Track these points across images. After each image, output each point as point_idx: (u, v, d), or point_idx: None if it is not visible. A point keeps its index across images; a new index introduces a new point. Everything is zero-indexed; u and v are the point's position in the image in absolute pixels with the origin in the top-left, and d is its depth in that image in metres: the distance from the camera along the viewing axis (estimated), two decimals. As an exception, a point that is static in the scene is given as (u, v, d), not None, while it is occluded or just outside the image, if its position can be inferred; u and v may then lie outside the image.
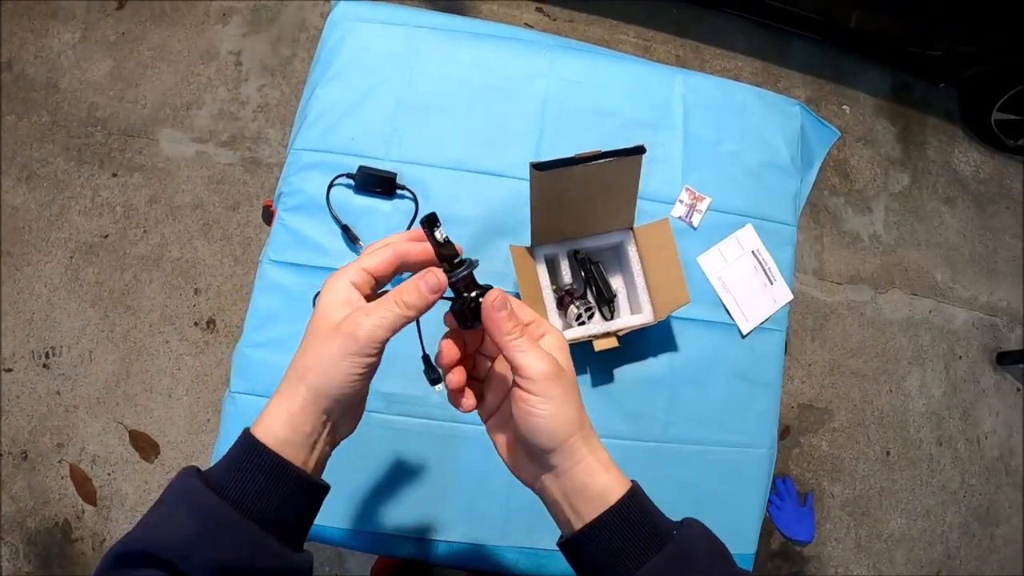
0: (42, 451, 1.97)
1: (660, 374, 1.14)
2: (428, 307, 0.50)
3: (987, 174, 2.75)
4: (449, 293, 0.52)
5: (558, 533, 0.55)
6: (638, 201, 1.05)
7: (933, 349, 2.47)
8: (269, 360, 1.06)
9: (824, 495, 2.26)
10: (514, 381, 0.51)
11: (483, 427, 0.58)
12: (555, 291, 1.09)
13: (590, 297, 1.11)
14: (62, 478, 1.96)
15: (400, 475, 1.06)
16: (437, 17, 1.23)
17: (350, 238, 1.10)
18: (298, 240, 1.10)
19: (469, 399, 0.56)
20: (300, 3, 2.38)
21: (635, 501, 0.51)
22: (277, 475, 0.48)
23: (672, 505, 1.11)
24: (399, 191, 1.12)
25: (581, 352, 1.07)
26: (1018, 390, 2.51)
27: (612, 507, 0.49)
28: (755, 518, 1.16)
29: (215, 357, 2.05)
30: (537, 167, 0.89)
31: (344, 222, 1.10)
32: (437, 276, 0.50)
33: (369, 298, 0.52)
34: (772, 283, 1.21)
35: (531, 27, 2.47)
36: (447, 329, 0.56)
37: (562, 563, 0.54)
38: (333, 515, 1.00)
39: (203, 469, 0.49)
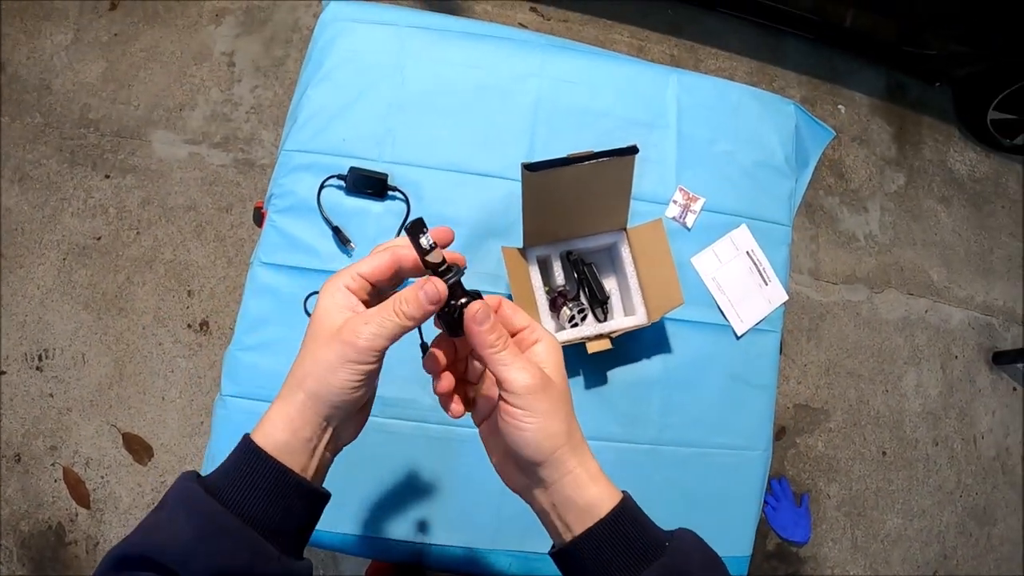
0: (35, 454, 1.96)
1: (654, 376, 1.13)
2: (427, 317, 0.50)
3: (983, 173, 2.76)
4: None
5: (550, 537, 0.54)
6: (631, 202, 1.04)
7: (929, 349, 2.47)
8: (260, 363, 1.06)
9: (820, 496, 2.26)
10: (499, 394, 0.50)
11: (476, 430, 0.58)
12: (548, 293, 1.08)
13: (583, 299, 1.10)
14: (55, 481, 1.95)
15: (393, 479, 1.06)
16: (429, 17, 1.23)
17: (341, 240, 1.09)
18: (289, 242, 1.10)
19: (458, 405, 0.56)
20: (293, 3, 2.37)
21: (625, 513, 0.50)
22: (277, 482, 0.47)
23: (667, 507, 1.11)
24: (390, 192, 1.11)
25: (574, 354, 1.06)
26: (1014, 389, 2.52)
27: (601, 520, 0.49)
28: (750, 520, 1.15)
29: (208, 359, 2.04)
30: (529, 168, 0.89)
31: (335, 224, 1.09)
32: (436, 286, 0.49)
33: (367, 303, 0.52)
34: (767, 284, 1.20)
35: (525, 27, 2.46)
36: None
37: (555, 568, 0.53)
38: (326, 519, 0.99)
39: (202, 474, 0.49)
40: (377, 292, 0.54)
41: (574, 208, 1.01)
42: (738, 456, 1.15)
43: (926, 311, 2.51)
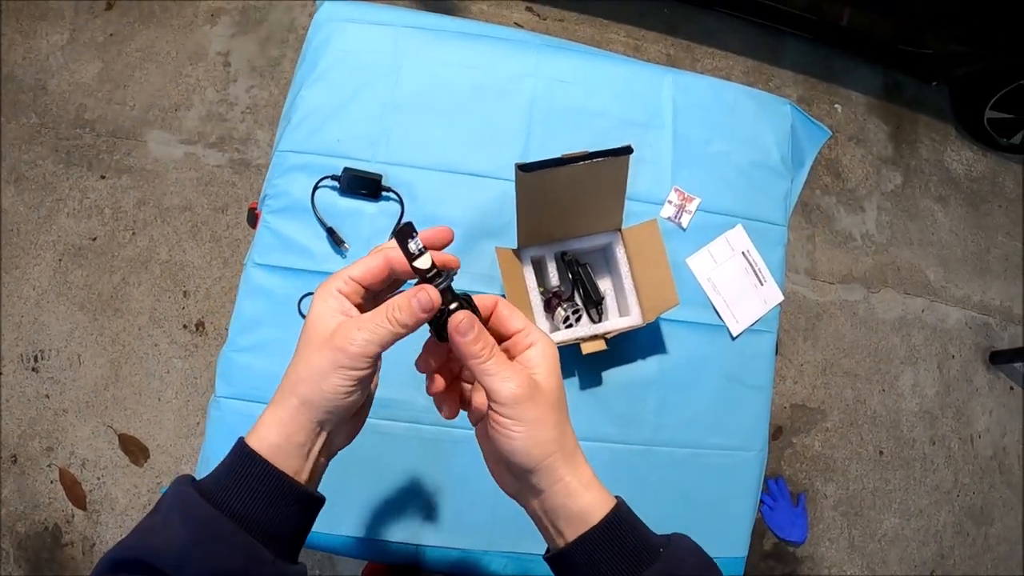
0: (31, 455, 1.95)
1: (649, 377, 1.13)
2: (420, 325, 0.49)
3: (980, 172, 2.76)
4: None
5: (545, 541, 0.54)
6: (626, 202, 1.04)
7: (926, 348, 2.47)
8: (254, 365, 1.05)
9: (817, 495, 2.26)
10: (488, 404, 0.50)
11: (470, 432, 0.57)
12: (542, 293, 1.08)
13: (578, 299, 1.10)
14: (52, 482, 1.95)
15: (388, 480, 1.05)
16: (424, 17, 1.22)
17: (335, 241, 1.09)
18: (283, 243, 1.09)
19: (451, 407, 0.55)
20: (288, 3, 2.37)
21: (619, 519, 0.50)
22: (272, 486, 0.47)
23: (662, 508, 1.11)
24: (385, 193, 1.11)
25: (569, 355, 1.06)
26: (1011, 389, 2.52)
27: (594, 526, 0.49)
28: (746, 520, 1.15)
29: (204, 360, 2.04)
30: (523, 168, 0.88)
31: (329, 224, 1.09)
32: (430, 294, 0.48)
33: (361, 307, 0.52)
34: (762, 284, 1.20)
35: (521, 26, 2.46)
36: None
37: (549, 570, 0.53)
38: (321, 520, 0.99)
39: (198, 476, 0.49)
40: (373, 295, 0.53)
41: (569, 208, 1.01)
42: (733, 457, 1.15)
43: (923, 311, 2.51)
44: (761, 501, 1.66)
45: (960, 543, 2.34)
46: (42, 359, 2.01)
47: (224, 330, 1.99)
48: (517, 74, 1.20)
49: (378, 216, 1.11)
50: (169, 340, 2.05)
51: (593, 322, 1.09)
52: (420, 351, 0.54)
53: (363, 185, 1.10)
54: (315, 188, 1.10)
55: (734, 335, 1.17)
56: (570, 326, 1.06)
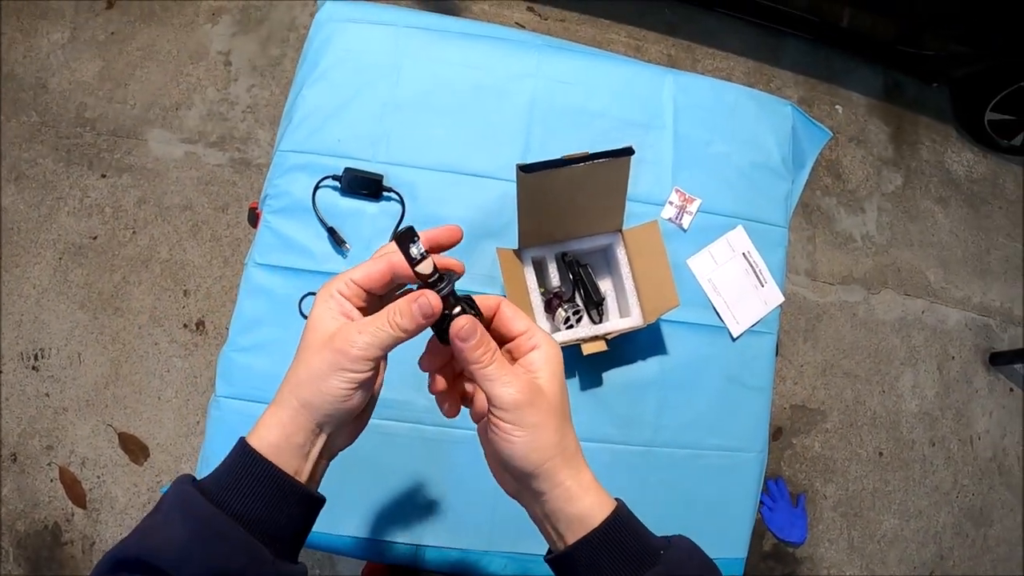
0: (31, 454, 1.95)
1: (650, 378, 1.13)
2: (420, 330, 0.49)
3: (980, 174, 2.76)
4: None
5: (545, 542, 0.54)
6: (627, 203, 1.04)
7: (926, 349, 2.47)
8: (254, 365, 1.05)
9: (817, 496, 2.26)
10: (488, 407, 0.50)
11: (471, 432, 0.57)
12: (543, 294, 1.08)
13: (578, 300, 1.10)
14: (51, 481, 1.95)
15: (388, 480, 1.05)
16: (425, 17, 1.22)
17: (336, 241, 1.09)
18: (284, 243, 1.09)
19: (453, 406, 0.55)
20: (290, 3, 2.37)
21: (619, 522, 0.50)
22: (273, 486, 0.47)
23: (662, 509, 1.11)
24: (386, 193, 1.11)
25: (569, 356, 1.06)
26: (1011, 390, 2.52)
27: (594, 529, 0.48)
28: (746, 521, 1.15)
29: (204, 359, 2.04)
30: (524, 169, 0.88)
31: (330, 225, 1.09)
32: (431, 300, 0.48)
33: (364, 310, 0.51)
34: (763, 285, 1.20)
35: (522, 27, 2.46)
36: None
37: (549, 570, 0.53)
38: (322, 520, 0.99)
39: (198, 476, 0.49)
40: (378, 298, 0.53)
41: (569, 209, 1.01)
42: (734, 458, 1.15)
43: (923, 312, 2.51)
44: (761, 502, 1.66)
45: (959, 544, 2.35)
46: (42, 358, 2.01)
47: (224, 329, 1.99)
48: (518, 74, 1.20)
49: (379, 216, 1.11)
50: (169, 339, 2.05)
51: (594, 323, 1.09)
52: (423, 351, 0.54)
53: (364, 185, 1.10)
54: (316, 188, 1.09)
55: (734, 336, 1.17)
56: (571, 327, 1.06)
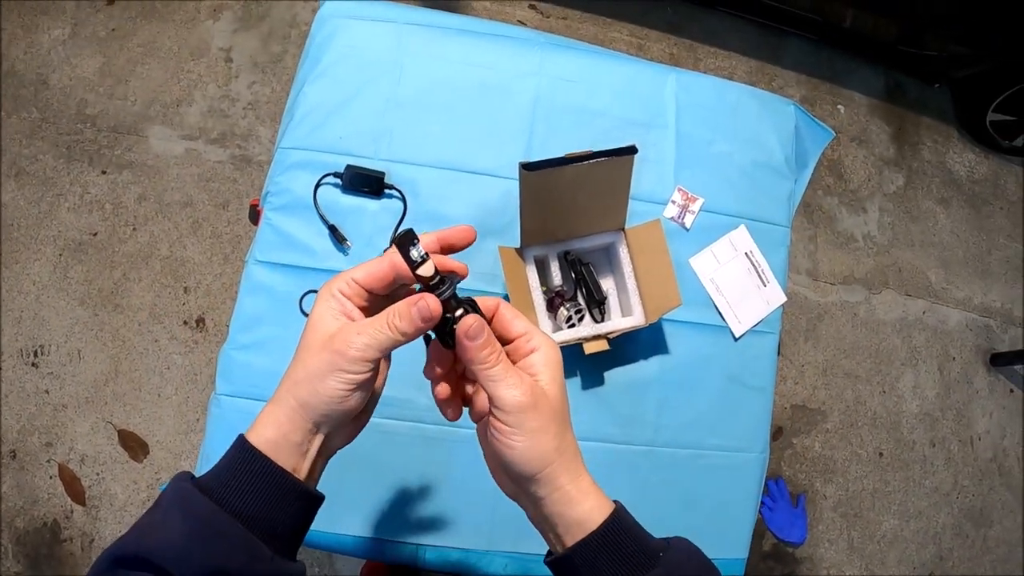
0: (31, 450, 1.95)
1: (651, 377, 1.13)
2: (420, 333, 0.49)
3: (981, 175, 2.75)
4: None
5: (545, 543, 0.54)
6: (630, 202, 1.04)
7: (927, 350, 2.47)
8: (254, 362, 1.05)
9: (817, 496, 2.26)
10: (490, 409, 0.49)
11: (471, 432, 0.57)
12: (545, 293, 1.07)
13: (580, 299, 1.10)
14: (51, 478, 1.94)
15: (389, 479, 1.05)
16: (427, 14, 1.22)
17: (337, 238, 1.08)
18: (285, 240, 1.09)
19: (455, 410, 0.55)
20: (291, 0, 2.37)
21: (618, 524, 0.49)
22: (272, 483, 0.47)
23: (663, 509, 1.11)
24: (387, 191, 1.11)
25: (571, 355, 1.06)
26: (1012, 391, 2.52)
27: (593, 532, 0.48)
28: (747, 522, 1.15)
29: (204, 356, 2.04)
30: (527, 167, 0.88)
31: (331, 222, 1.08)
32: (430, 304, 0.48)
33: (366, 309, 0.51)
34: (765, 285, 1.20)
35: (524, 24, 2.46)
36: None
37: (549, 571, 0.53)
38: (321, 518, 0.98)
39: (197, 474, 0.49)
40: (381, 298, 0.53)
41: (572, 208, 1.01)
42: (735, 458, 1.15)
43: (924, 312, 2.51)
44: (761, 502, 1.65)
45: (959, 545, 2.35)
46: (42, 354, 2.01)
47: (224, 326, 1.99)
48: (520, 72, 1.19)
49: (380, 214, 1.11)
50: (169, 336, 2.04)
51: (596, 322, 1.09)
52: (426, 360, 0.54)
53: (366, 182, 1.09)
54: (317, 185, 1.09)
55: (736, 336, 1.17)
56: (572, 326, 1.06)
